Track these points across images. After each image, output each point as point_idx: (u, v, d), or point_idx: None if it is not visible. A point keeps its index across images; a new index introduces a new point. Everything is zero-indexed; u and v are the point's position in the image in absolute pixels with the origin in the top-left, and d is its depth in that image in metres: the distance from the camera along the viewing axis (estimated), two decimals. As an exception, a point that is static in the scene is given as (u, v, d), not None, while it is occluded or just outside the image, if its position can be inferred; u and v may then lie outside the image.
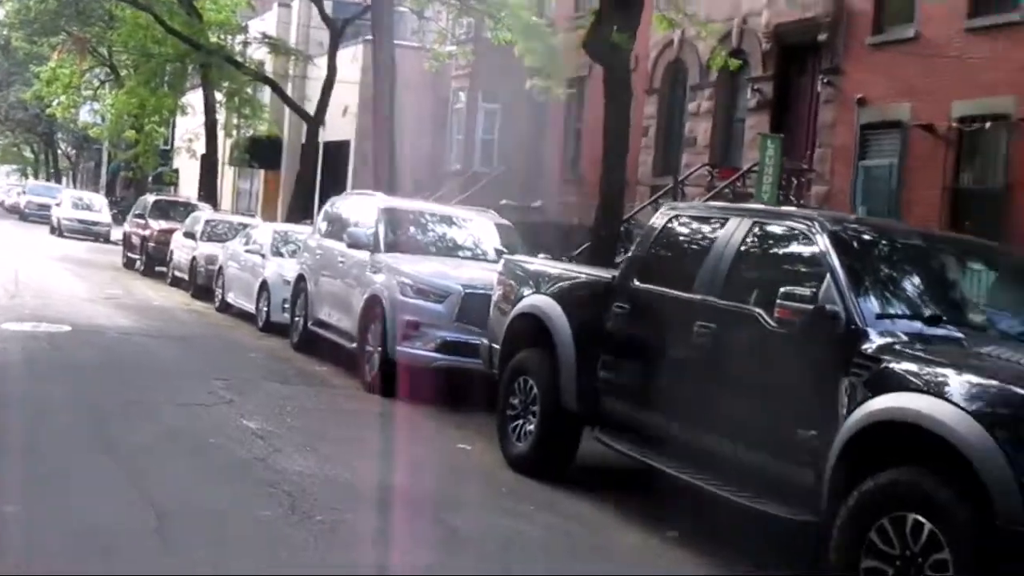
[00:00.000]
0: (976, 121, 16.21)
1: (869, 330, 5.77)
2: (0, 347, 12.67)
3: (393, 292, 12.14)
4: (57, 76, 44.13)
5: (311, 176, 30.31)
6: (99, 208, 44.72)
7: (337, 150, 37.32)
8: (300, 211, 31.11)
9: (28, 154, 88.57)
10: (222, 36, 33.92)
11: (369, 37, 33.23)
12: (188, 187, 50.49)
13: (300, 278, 15.56)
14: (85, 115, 51.75)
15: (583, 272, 8.94)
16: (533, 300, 9.00)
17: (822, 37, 19.87)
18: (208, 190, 35.37)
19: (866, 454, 5.43)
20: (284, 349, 15.40)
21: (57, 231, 42.77)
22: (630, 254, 8.15)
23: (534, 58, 25.26)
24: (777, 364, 6.32)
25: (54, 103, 48.62)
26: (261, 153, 41.30)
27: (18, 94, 58.72)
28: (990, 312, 6.59)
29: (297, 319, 15.52)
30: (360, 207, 14.71)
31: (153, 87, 33.30)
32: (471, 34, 31.78)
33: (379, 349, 12.23)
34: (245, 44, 31.91)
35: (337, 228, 15.08)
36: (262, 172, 45.15)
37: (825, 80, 19.79)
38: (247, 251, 19.13)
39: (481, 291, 11.73)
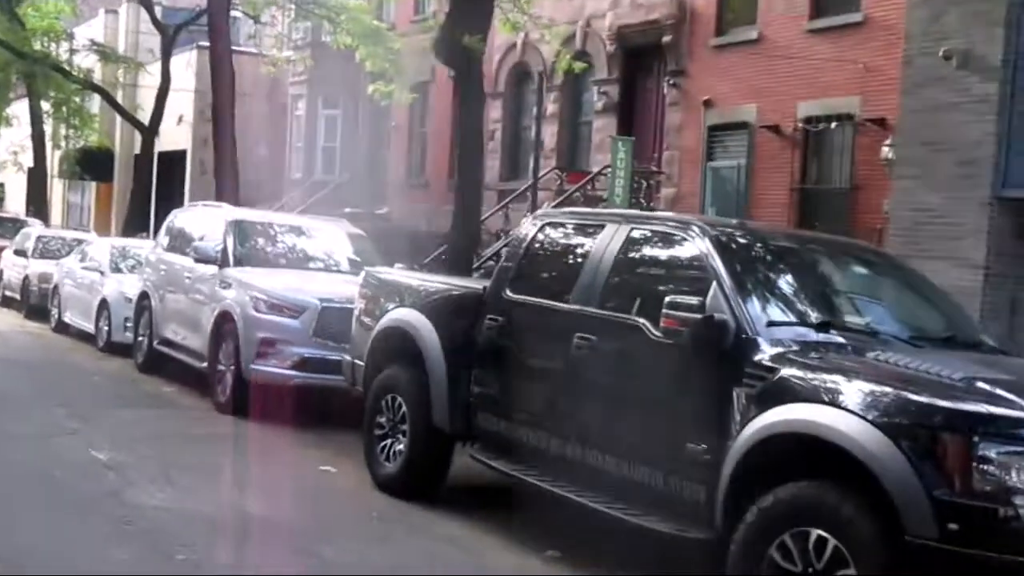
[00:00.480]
0: (821, 121, 16.51)
1: (760, 339, 5.61)
2: None
3: (246, 308, 11.62)
4: None
5: (147, 188, 29.18)
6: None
7: (173, 160, 36.11)
8: (136, 224, 30.01)
9: None
10: (47, 43, 32.50)
11: (202, 43, 32.36)
12: (15, 202, 48.33)
13: (143, 295, 14.86)
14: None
15: (451, 283, 8.62)
16: (399, 314, 8.65)
17: (666, 39, 20.01)
18: (37, 205, 33.86)
19: (762, 468, 5.26)
20: (129, 370, 14.68)
21: None
22: (500, 263, 7.86)
23: (376, 63, 24.85)
24: (663, 376, 6.12)
25: None
26: (92, 165, 39.74)
27: None
28: (871, 315, 6.50)
29: (141, 338, 14.80)
30: (206, 219, 14.10)
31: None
32: (309, 39, 31.16)
33: (232, 368, 11.70)
34: (72, 52, 30.57)
35: (181, 242, 14.46)
36: (94, 185, 43.47)
37: (671, 82, 19.94)
38: (84, 268, 18.24)
39: (338, 305, 11.32)
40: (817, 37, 16.79)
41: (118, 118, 37.55)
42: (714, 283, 5.92)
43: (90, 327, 17.42)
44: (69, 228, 33.86)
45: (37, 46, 30.20)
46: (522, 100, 25.48)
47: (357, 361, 9.31)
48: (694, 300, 5.80)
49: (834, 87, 16.22)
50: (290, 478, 8.89)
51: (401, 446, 8.40)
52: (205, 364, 12.39)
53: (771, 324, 5.75)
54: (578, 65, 19.58)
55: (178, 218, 15.38)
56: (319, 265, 13.30)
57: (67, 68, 29.41)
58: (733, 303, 5.79)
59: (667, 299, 5.88)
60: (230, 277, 12.31)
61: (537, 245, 7.67)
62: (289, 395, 11.44)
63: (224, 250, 12.79)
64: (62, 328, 19.00)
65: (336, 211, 26.54)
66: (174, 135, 34.05)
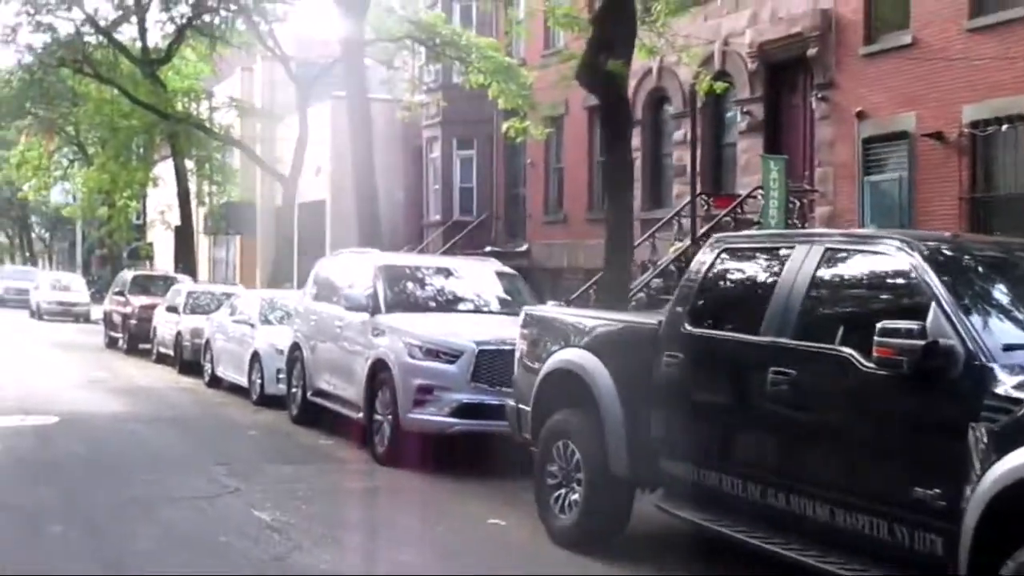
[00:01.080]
0: (990, 124, 15.52)
1: (996, 366, 4.93)
2: (-19, 448, 11.73)
3: (400, 355, 11.26)
4: (26, 159, 43.40)
5: (289, 239, 29.37)
6: (77, 289, 43.79)
7: (312, 210, 36.48)
8: (281, 276, 30.28)
9: (2, 239, 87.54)
10: (187, 104, 33.19)
11: (337, 93, 32.70)
12: (164, 260, 49.60)
13: (295, 346, 14.67)
14: (57, 195, 50.89)
15: (622, 320, 8.07)
16: (566, 354, 8.14)
17: (811, 52, 19.22)
18: (185, 261, 34.45)
19: (1014, 515, 4.57)
20: (283, 423, 14.49)
21: (37, 315, 41.84)
22: (676, 296, 7.29)
23: (508, 100, 24.66)
24: (879, 412, 5.46)
25: (25, 186, 47.82)
26: (235, 219, 40.52)
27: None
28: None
29: (294, 390, 14.61)
30: (352, 266, 13.85)
31: (123, 161, 32.48)
32: (440, 81, 31.15)
33: (389, 417, 11.35)
34: (212, 110, 31.13)
35: (329, 290, 14.24)
36: (238, 239, 44.28)
37: (819, 96, 19.14)
38: (235, 321, 18.22)
39: (496, 347, 10.92)
40: (979, 36, 15.83)
41: (258, 172, 38.21)
42: (933, 304, 5.26)
43: (243, 380, 17.37)
44: (216, 283, 34.36)
45: (179, 107, 30.80)
46: (660, 126, 24.88)
47: (522, 407, 8.84)
48: (912, 325, 5.15)
49: (1001, 87, 15.25)
50: (460, 534, 8.43)
51: (576, 496, 7.88)
52: (361, 414, 12.07)
53: (1008, 348, 5.06)
54: (719, 85, 18.90)
55: (324, 267, 15.19)
56: (470, 306, 12.92)
57: (208, 126, 29.85)
58: (959, 326, 5.12)
59: (879, 325, 5.24)
60: (382, 324, 11.99)
61: (717, 273, 7.08)
62: (449, 443, 11.06)
63: (374, 296, 12.49)
64: (215, 382, 19.03)
65: (476, 251, 26.42)
66: (313, 186, 34.38)
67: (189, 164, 33.81)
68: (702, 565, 7.53)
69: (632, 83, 24.63)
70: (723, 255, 7.07)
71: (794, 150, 20.04)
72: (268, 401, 16.08)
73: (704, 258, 7.18)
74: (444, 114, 31.32)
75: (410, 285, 13.04)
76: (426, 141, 33.04)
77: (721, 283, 7.10)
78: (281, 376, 15.88)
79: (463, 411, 10.84)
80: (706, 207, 21.21)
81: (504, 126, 24.59)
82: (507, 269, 13.90)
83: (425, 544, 7.91)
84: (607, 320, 8.12)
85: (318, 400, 13.72)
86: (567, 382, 8.08)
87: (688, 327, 7.01)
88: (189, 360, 21.35)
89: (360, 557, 7.42)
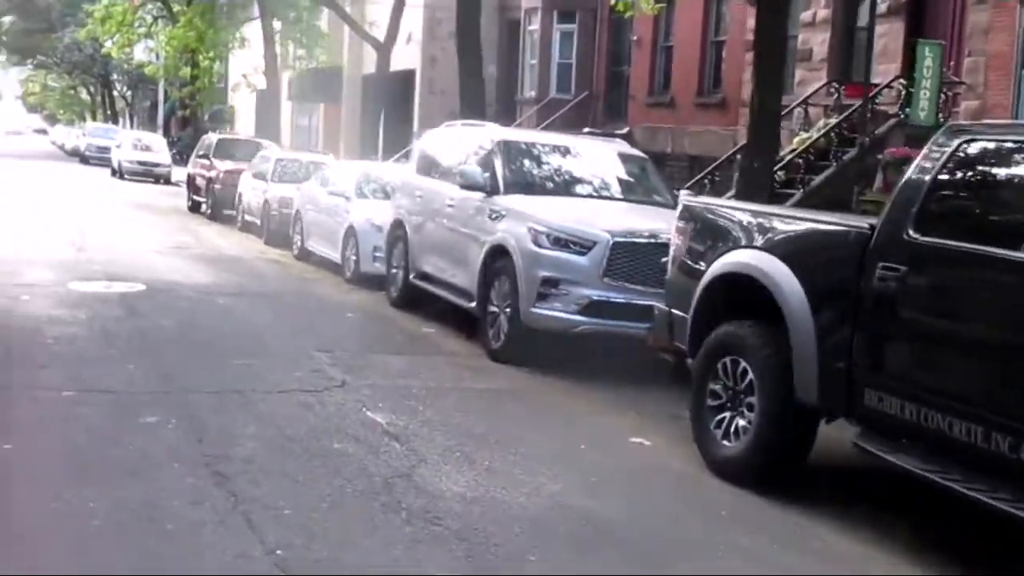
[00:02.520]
0: None
1: None
2: (70, 314, 10.88)
3: (523, 242, 10.13)
4: (110, 14, 42.40)
5: (377, 108, 28.14)
6: (158, 149, 43.09)
7: (401, 80, 35.18)
8: (367, 146, 29.16)
9: (84, 96, 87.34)
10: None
11: (433, -43, 31.25)
12: (244, 124, 48.73)
13: (397, 224, 13.61)
14: (140, 53, 49.96)
15: (821, 220, 6.82)
16: (740, 257, 6.97)
17: (968, -74, 17.41)
18: (268, 128, 33.46)
19: None
20: (382, 306, 13.51)
21: (118, 174, 41.32)
22: (897, 196, 6.03)
23: (619, -31, 22.95)
24: None
25: (108, 43, 46.92)
26: (321, 86, 39.29)
27: (72, 35, 57.08)
28: None
29: (395, 271, 13.59)
30: (466, 140, 12.67)
31: (210, 19, 31.28)
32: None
33: (507, 310, 10.28)
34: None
35: (437, 166, 13.13)
36: (321, 107, 43.13)
37: (975, -22, 17.35)
38: (329, 193, 17.17)
39: (632, 239, 9.80)
40: None
41: (345, 38, 36.89)
42: None
43: (335, 256, 16.41)
44: (298, 150, 33.32)
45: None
46: (782, 5, 23.05)
47: (677, 312, 7.70)
48: None
49: None
50: (603, 455, 7.37)
51: (745, 422, 6.78)
52: (473, 304, 11.02)
53: None
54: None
55: (432, 139, 14.03)
56: (596, 191, 11.71)
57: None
58: None
59: None
60: (501, 206, 10.86)
61: (956, 170, 5.80)
62: (573, 343, 9.98)
63: (492, 175, 11.33)
64: (304, 255, 18.11)
65: (573, 131, 25.04)
66: (403, 54, 32.95)
67: (276, 26, 32.47)
68: (897, 512, 6.43)
69: (756, -42, 23.06)
70: (964, 147, 5.77)
71: (939, 38, 18.31)
72: (362, 280, 15.13)
73: (937, 151, 5.89)
74: (546, -15, 29.68)
75: (531, 164, 11.86)
76: (524, 13, 31.37)
77: (962, 183, 5.83)
78: (378, 254, 14.91)
79: (592, 309, 9.74)
80: (836, 96, 19.62)
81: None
82: (635, 151, 12.70)
83: (571, 468, 6.85)
84: (800, 219, 6.89)
85: (421, 284, 12.70)
86: (741, 289, 6.92)
87: (913, 234, 5.77)
88: (276, 230, 20.42)
89: (500, 481, 6.38)
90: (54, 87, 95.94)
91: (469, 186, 11.41)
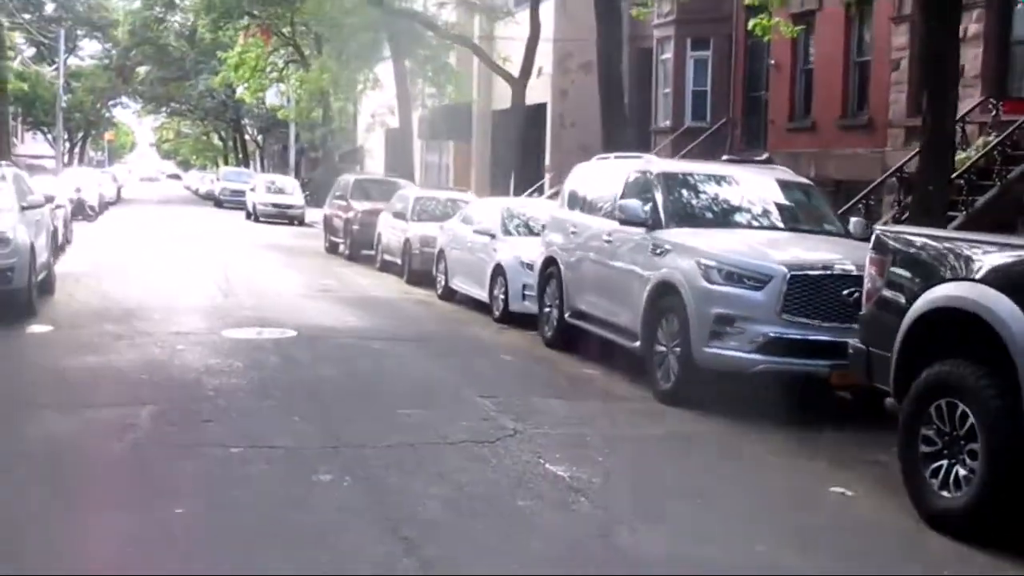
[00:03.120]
0: None
1: None
2: (227, 363, 10.74)
3: (693, 278, 9.65)
4: (243, 60, 43.27)
5: (509, 143, 27.91)
6: (291, 191, 43.68)
7: (532, 114, 35.01)
8: (499, 182, 28.99)
9: (217, 141, 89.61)
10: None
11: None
12: (374, 164, 49.14)
13: (548, 261, 13.25)
14: (272, 97, 50.91)
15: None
16: (956, 290, 6.40)
17: None
18: (402, 165, 33.54)
19: None
20: (536, 346, 13.15)
21: (253, 216, 41.99)
22: None
23: (759, -8, 22.35)
24: None
25: (241, 88, 47.92)
26: (451, 123, 39.35)
27: (206, 82, 58.57)
28: None
29: (548, 310, 13.23)
30: (620, 173, 12.24)
31: (344, 60, 31.54)
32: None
33: (676, 350, 9.80)
34: (440, 5, 29.61)
35: (590, 200, 12.75)
36: (451, 144, 43.22)
37: None
38: (475, 231, 16.90)
39: (810, 271, 9.26)
40: None
41: (475, 73, 36.90)
42: None
43: (482, 295, 16.13)
44: (429, 187, 33.33)
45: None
46: (957, 21, 22.12)
47: (876, 351, 7.15)
48: None
49: None
50: (805, 508, 6.85)
51: (966, 471, 6.19)
52: (637, 344, 10.56)
53: None
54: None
55: (582, 173, 13.64)
56: (762, 222, 11.16)
57: (435, 23, 28.47)
58: None
59: None
60: (665, 240, 10.39)
61: None
62: (750, 383, 9.45)
63: (654, 208, 10.89)
64: (448, 295, 17.88)
65: (711, 159, 24.42)
66: (533, 88, 32.71)
67: (410, 65, 32.60)
68: None
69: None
70: None
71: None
72: (512, 319, 14.82)
73: None
74: (679, 12, 29.21)
75: (691, 196, 11.38)
76: (657, 42, 30.91)
77: None
78: (527, 292, 14.61)
79: (770, 346, 9.19)
80: (994, 113, 18.70)
81: (750, 23, 22.51)
82: (798, 178, 12.11)
83: (774, 523, 6.35)
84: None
85: (577, 323, 12.30)
86: (955, 326, 6.34)
87: None
88: (418, 270, 20.26)
89: (702, 540, 5.91)
90: (187, 133, 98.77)
91: (629, 221, 10.99)
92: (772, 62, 27.09)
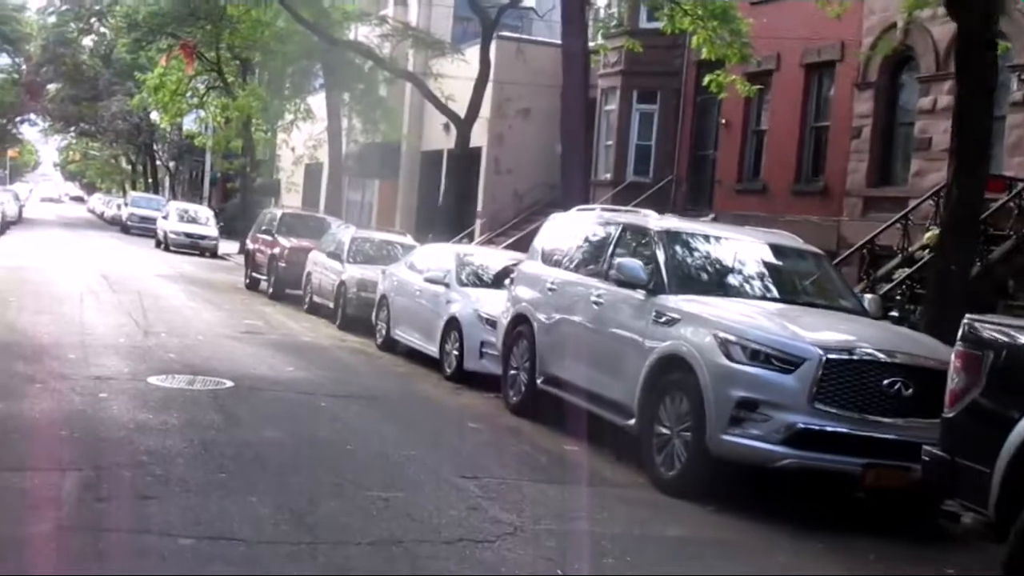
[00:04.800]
0: None
1: None
2: (160, 420, 9.26)
3: (710, 354, 8.47)
4: (163, 83, 41.42)
5: (460, 186, 26.74)
6: (205, 221, 41.93)
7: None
8: (425, 225, 27.72)
9: (125, 165, 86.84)
10: (347, 30, 30.57)
11: (503, 33, 30.00)
12: (291, 199, 47.45)
13: (519, 319, 12.00)
14: (189, 124, 49.03)
15: None
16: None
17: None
18: (331, 202, 32.13)
19: None
20: (501, 413, 11.88)
21: (163, 245, 40.19)
22: None
23: (715, 48, 21.55)
24: None
25: (154, 114, 45.97)
26: (379, 161, 38.00)
27: (120, 104, 56.40)
28: None
29: (514, 372, 11.97)
30: (609, 228, 11.09)
31: (274, 89, 30.08)
32: (626, 26, 28.19)
33: (683, 434, 8.61)
34: (384, 37, 28.30)
35: (571, 255, 11.55)
36: (376, 183, 41.82)
37: None
38: (425, 279, 15.58)
39: (848, 356, 8.15)
40: None
41: (406, 113, 35.66)
42: None
43: (431, 349, 14.82)
44: (364, 228, 31.94)
45: (346, 34, 28.15)
46: (897, 92, 21.61)
47: (966, 463, 6.02)
48: None
49: None
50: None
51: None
52: (631, 422, 9.34)
53: None
54: (1003, 45, 15.69)
55: (559, 225, 12.46)
56: (779, 296, 10.02)
57: (379, 54, 27.17)
58: None
59: None
60: (673, 308, 9.21)
61: None
62: (774, 479, 8.30)
63: (656, 270, 9.72)
64: (389, 346, 16.52)
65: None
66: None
67: (345, 98, 31.26)
68: None
69: (867, 41, 21.60)
70: None
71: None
72: (466, 378, 13.54)
73: None
74: (626, 62, 28.31)
75: (697, 258, 10.24)
76: (601, 92, 29.96)
77: None
78: (486, 351, 13.40)
79: (799, 439, 8.04)
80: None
81: (706, 79, 21.67)
82: (809, 247, 11.04)
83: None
84: None
85: (551, 390, 11.07)
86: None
87: None
88: (353, 315, 18.89)
89: None
90: (95, 155, 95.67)
91: (627, 282, 9.80)
92: (723, 121, 26.34)
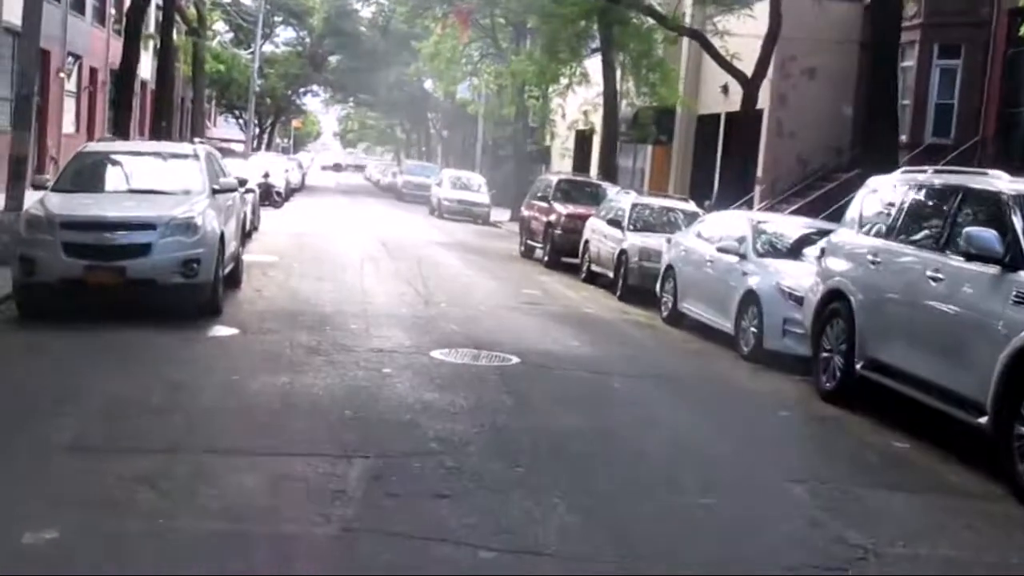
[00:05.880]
0: None
1: None
2: (448, 400, 8.58)
3: (1094, 346, 6.99)
4: (438, 51, 41.62)
5: (743, 150, 25.32)
6: (478, 188, 41.93)
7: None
8: (698, 191, 26.44)
9: (400, 134, 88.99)
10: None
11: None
12: (561, 166, 46.95)
13: (833, 295, 10.66)
14: (463, 91, 49.29)
15: None
16: None
17: None
18: (606, 168, 31.23)
19: None
20: (811, 399, 10.56)
21: (436, 212, 40.36)
22: None
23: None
24: None
25: (427, 82, 46.36)
26: (654, 125, 36.85)
27: (397, 75, 57.49)
28: None
29: (826, 355, 10.65)
30: (945, 195, 9.63)
31: (553, 52, 29.33)
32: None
33: (1055, 437, 7.17)
34: (663, -5, 27.17)
35: (898, 225, 10.12)
36: (648, 148, 40.65)
37: None
38: (718, 249, 14.40)
39: None
40: None
41: (683, 74, 34.33)
42: None
43: (724, 324, 13.62)
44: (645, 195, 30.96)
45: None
46: None
47: None
48: None
49: None
50: None
51: None
52: (983, 420, 7.93)
53: None
54: None
55: (880, 190, 11.01)
56: None
57: (661, 12, 26.00)
58: None
59: None
60: (1042, 288, 7.74)
61: None
62: None
63: (1015, 242, 8.23)
64: (675, 319, 15.39)
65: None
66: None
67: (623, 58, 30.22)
68: None
69: None
70: None
71: None
72: (766, 358, 12.30)
73: None
74: (926, 14, 26.06)
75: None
76: (899, 47, 27.76)
77: None
78: (789, 328, 12.13)
79: None
80: None
81: (1022, 29, 19.44)
82: None
83: None
84: None
85: (874, 376, 9.71)
86: None
87: None
88: (634, 285, 17.88)
89: None
90: (372, 124, 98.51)
91: (977, 255, 8.36)
92: (1041, 76, 23.81)
